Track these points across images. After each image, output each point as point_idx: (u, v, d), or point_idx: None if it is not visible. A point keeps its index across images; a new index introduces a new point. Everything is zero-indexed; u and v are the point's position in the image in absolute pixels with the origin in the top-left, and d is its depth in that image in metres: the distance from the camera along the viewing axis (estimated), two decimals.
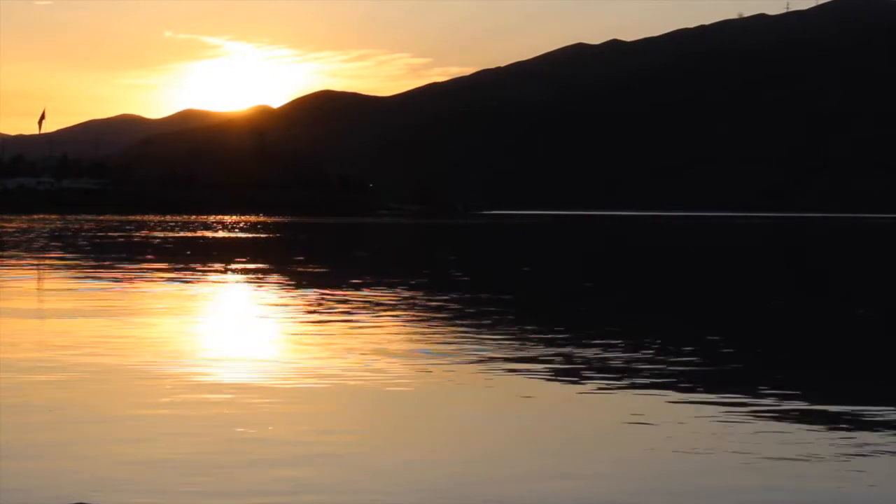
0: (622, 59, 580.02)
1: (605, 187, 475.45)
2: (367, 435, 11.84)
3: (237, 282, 34.96)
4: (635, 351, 18.53)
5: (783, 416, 13.06)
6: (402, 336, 20.55)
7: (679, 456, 10.98)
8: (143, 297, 28.41)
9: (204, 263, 44.63)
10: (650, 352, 18.46)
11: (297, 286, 32.55)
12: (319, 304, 26.51)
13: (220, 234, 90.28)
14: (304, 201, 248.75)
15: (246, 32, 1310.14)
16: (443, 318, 23.66)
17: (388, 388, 14.62)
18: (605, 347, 18.97)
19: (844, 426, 12.54)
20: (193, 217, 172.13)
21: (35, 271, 39.25)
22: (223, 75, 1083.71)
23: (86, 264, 42.88)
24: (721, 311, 28.45)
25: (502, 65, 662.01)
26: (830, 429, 12.36)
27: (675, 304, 30.37)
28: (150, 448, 10.88)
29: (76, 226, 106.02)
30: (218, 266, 42.78)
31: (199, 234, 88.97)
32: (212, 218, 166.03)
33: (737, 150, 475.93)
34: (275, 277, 36.83)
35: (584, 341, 19.86)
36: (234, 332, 21.59)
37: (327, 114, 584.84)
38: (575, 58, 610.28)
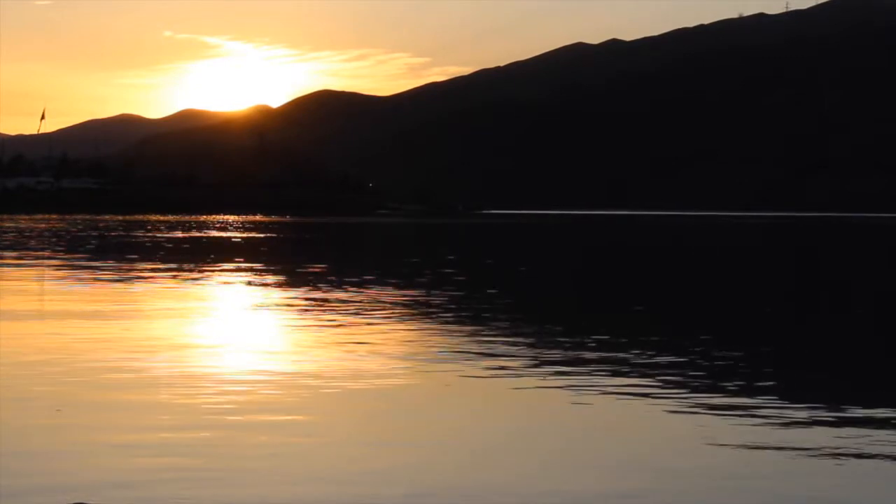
0: (622, 59, 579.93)
1: (605, 187, 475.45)
2: (363, 437, 11.83)
3: (236, 282, 34.93)
4: (635, 352, 18.51)
5: (786, 419, 13.05)
6: (399, 336, 20.54)
7: (678, 458, 10.98)
8: (143, 298, 28.39)
9: (204, 263, 44.61)
10: (649, 353, 18.44)
11: (296, 286, 32.53)
12: (317, 304, 26.49)
13: (220, 234, 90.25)
14: (304, 201, 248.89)
15: (245, 32, 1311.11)
16: (440, 319, 23.64)
17: (383, 390, 14.61)
18: (604, 348, 18.96)
19: (847, 429, 12.53)
20: (193, 217, 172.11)
21: (34, 271, 39.22)
22: (223, 75, 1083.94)
23: (85, 264, 42.86)
24: (721, 312, 28.43)
25: (501, 64, 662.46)
26: (831, 431, 12.35)
27: (674, 305, 30.34)
28: (150, 448, 10.88)
29: (76, 228, 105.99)
30: (217, 266, 42.76)
31: (196, 234, 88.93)
32: (213, 217, 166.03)
33: (736, 150, 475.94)
34: (273, 277, 36.82)
35: (582, 342, 19.85)
36: (234, 332, 21.58)
37: (327, 113, 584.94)
38: (575, 57, 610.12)
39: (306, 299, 27.99)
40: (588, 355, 17.94)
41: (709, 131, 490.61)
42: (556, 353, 18.13)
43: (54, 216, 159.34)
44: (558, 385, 15.05)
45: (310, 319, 23.26)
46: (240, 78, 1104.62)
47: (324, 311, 24.95)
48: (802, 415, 13.14)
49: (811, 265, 55.22)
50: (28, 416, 12.42)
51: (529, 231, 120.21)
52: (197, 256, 51.28)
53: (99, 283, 33.08)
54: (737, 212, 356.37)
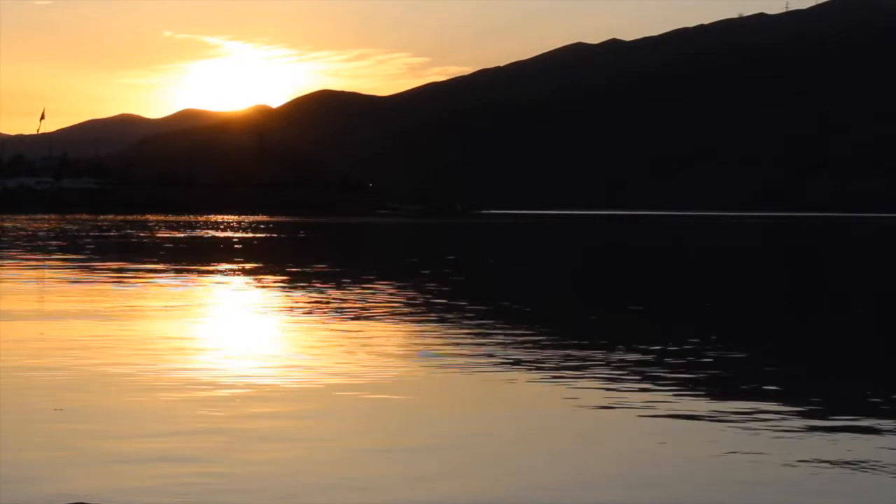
0: (622, 59, 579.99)
1: (605, 187, 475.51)
2: (363, 439, 11.83)
3: (236, 282, 34.92)
4: (635, 352, 18.50)
5: (786, 419, 13.04)
6: (399, 336, 20.53)
7: (679, 460, 10.97)
8: (143, 298, 28.38)
9: (204, 263, 44.61)
10: (649, 353, 18.43)
11: (296, 286, 32.51)
12: (317, 305, 26.48)
13: (220, 234, 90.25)
14: (304, 201, 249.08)
15: (245, 32, 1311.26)
16: (440, 319, 23.62)
17: (383, 390, 14.60)
18: (604, 348, 18.94)
19: (847, 430, 12.52)
20: (193, 217, 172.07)
21: (34, 272, 39.20)
22: (222, 75, 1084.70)
23: (85, 265, 42.85)
24: (721, 312, 28.40)
25: (501, 64, 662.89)
26: (832, 433, 12.34)
27: (674, 305, 30.33)
28: (150, 448, 10.87)
29: (76, 227, 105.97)
30: (217, 266, 42.76)
31: (196, 234, 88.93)
32: (213, 217, 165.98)
33: (736, 150, 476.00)
34: (273, 277, 36.80)
35: (582, 342, 19.84)
36: (234, 333, 21.57)
37: (327, 113, 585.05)
38: (575, 58, 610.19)
39: (306, 299, 27.97)
40: (588, 355, 17.92)
41: (709, 131, 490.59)
42: (556, 354, 18.11)
43: (54, 216, 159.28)
44: (558, 386, 15.04)
45: (310, 320, 23.24)
46: (240, 78, 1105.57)
47: (323, 311, 24.93)
48: (803, 416, 13.13)
49: (811, 265, 55.21)
50: (28, 417, 12.40)
51: (529, 231, 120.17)
52: (197, 256, 51.27)
53: (99, 283, 33.06)
54: (737, 212, 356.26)
